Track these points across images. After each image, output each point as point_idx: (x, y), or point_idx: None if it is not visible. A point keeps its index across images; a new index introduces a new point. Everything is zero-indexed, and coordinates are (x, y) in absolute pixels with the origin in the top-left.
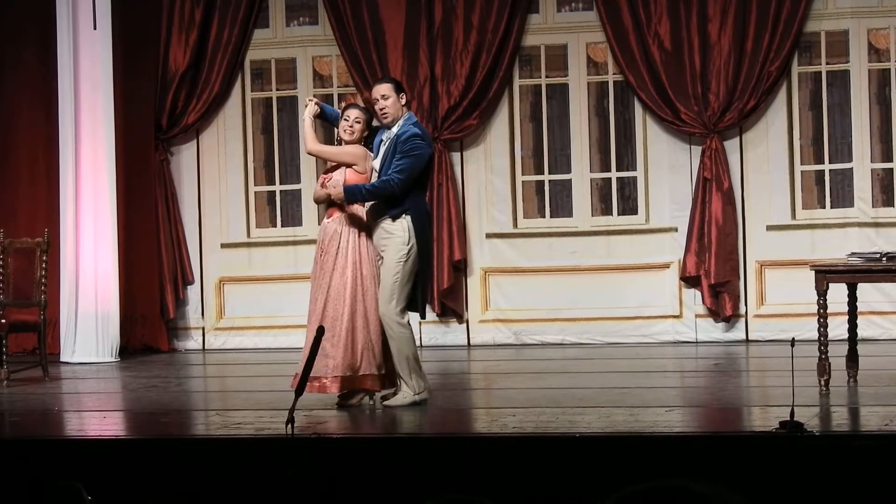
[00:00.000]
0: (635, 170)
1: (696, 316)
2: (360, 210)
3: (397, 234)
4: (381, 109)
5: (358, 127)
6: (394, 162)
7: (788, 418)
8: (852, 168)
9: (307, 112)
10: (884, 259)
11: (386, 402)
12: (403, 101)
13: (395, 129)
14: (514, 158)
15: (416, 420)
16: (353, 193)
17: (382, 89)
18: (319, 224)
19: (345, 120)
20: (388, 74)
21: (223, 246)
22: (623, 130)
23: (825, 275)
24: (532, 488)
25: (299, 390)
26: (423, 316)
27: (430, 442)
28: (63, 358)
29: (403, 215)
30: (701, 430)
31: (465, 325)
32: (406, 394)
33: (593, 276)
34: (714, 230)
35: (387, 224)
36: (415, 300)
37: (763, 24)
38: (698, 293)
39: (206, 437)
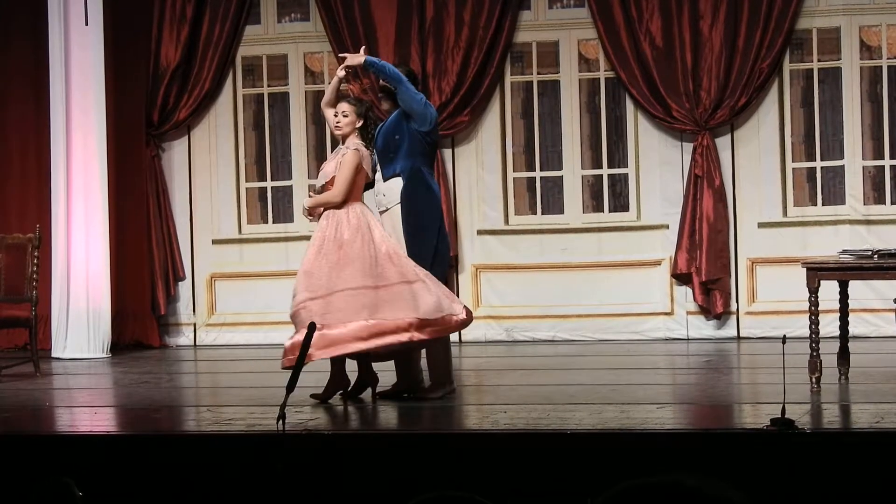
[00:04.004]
0: (626, 167)
1: (688, 313)
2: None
3: (389, 195)
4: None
5: (346, 120)
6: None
7: (779, 415)
8: (844, 165)
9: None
10: (875, 256)
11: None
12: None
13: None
14: (505, 155)
15: (408, 416)
16: (374, 63)
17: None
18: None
19: (334, 115)
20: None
21: (214, 242)
22: (614, 127)
23: (816, 272)
24: (523, 485)
25: (290, 386)
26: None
27: (421, 438)
28: (54, 354)
29: (396, 177)
30: (692, 427)
31: None
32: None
33: (584, 273)
34: (705, 227)
35: (381, 186)
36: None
37: (755, 21)
38: (689, 290)
39: (197, 434)
